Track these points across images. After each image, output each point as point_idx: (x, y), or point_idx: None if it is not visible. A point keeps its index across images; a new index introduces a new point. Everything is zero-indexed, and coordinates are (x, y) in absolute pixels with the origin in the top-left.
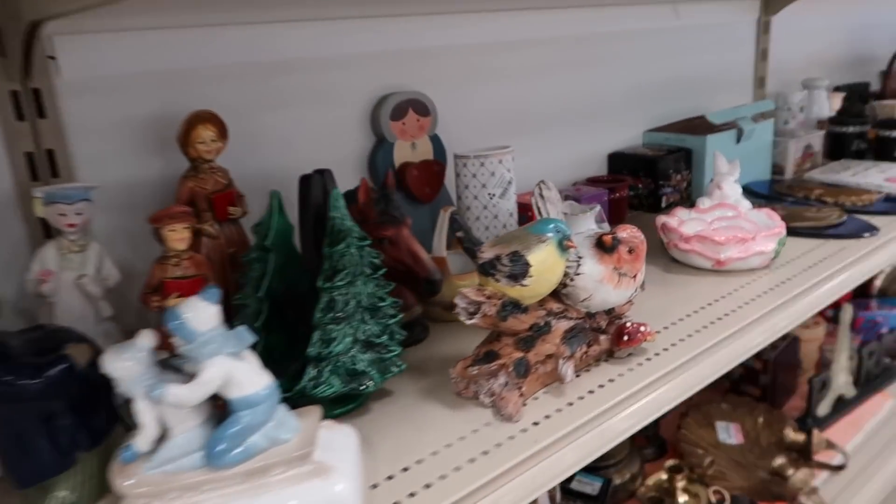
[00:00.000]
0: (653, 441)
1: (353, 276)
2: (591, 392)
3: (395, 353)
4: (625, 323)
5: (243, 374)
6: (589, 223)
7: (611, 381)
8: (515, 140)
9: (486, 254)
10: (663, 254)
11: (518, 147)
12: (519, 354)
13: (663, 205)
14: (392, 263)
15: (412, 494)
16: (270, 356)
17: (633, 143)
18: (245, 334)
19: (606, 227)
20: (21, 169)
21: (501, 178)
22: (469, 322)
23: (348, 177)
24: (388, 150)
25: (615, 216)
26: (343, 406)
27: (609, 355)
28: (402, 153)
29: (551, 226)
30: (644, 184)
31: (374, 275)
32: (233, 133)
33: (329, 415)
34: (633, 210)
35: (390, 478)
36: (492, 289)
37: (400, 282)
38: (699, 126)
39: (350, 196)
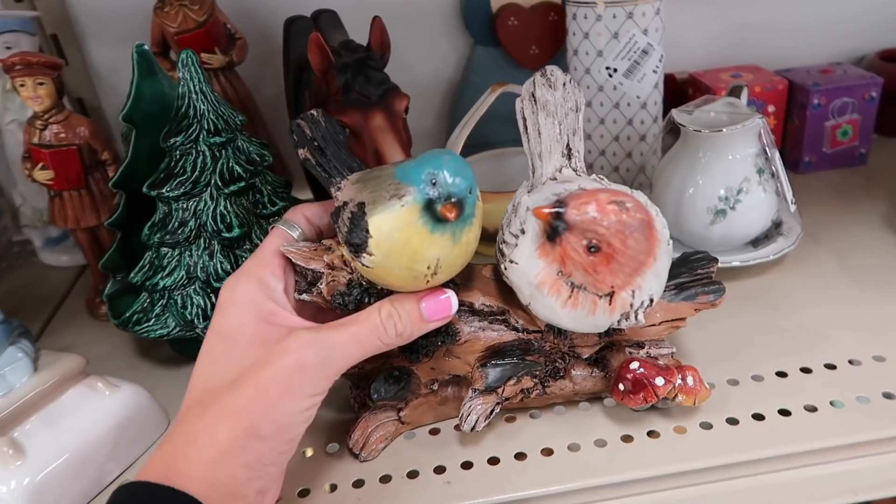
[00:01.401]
0: None
1: (193, 185)
2: (519, 458)
3: None
4: (630, 362)
5: None
6: (746, 144)
7: (598, 445)
8: None
9: (343, 192)
10: None
11: None
12: (399, 363)
13: None
14: None
15: None
16: (133, 265)
17: None
18: None
19: (776, 157)
20: None
21: (631, 43)
22: (298, 298)
23: (432, 24)
24: None
25: None
26: None
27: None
28: None
29: (427, 170)
30: None
31: (228, 188)
32: None
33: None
34: None
35: None
36: (343, 253)
37: None
38: None
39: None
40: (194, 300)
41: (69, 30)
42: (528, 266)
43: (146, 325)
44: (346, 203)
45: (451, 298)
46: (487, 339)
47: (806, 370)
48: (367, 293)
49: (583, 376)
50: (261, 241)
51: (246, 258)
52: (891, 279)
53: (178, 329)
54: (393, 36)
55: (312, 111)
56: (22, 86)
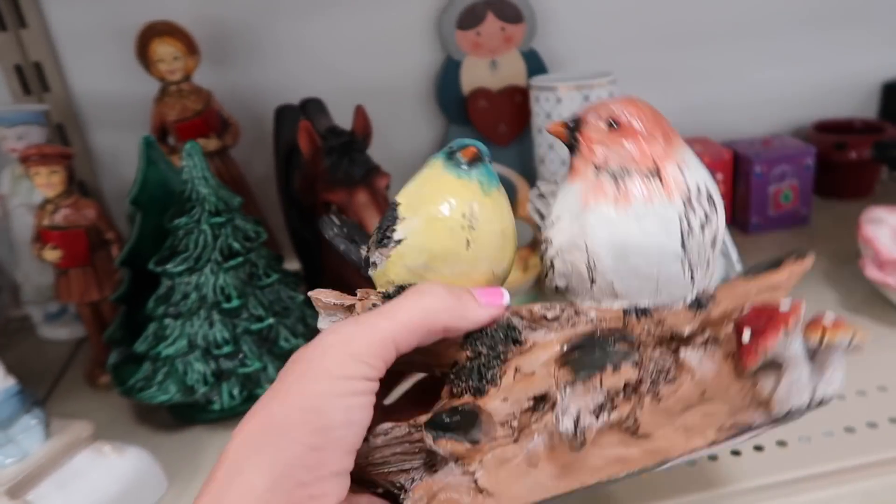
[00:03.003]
0: None
1: (196, 261)
2: None
3: (253, 368)
4: (742, 312)
5: None
6: None
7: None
8: (684, 59)
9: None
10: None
11: (691, 70)
12: (458, 401)
13: None
14: None
15: None
16: (135, 336)
17: None
18: None
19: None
20: (14, 82)
21: None
22: None
23: (410, 106)
24: (453, 70)
25: (844, 189)
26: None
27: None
28: (476, 75)
29: (445, 147)
30: None
31: (227, 263)
32: (244, 47)
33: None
34: None
35: None
36: (379, 286)
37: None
38: None
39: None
40: (195, 367)
41: (74, 120)
42: (569, 203)
43: (149, 391)
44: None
45: (501, 288)
46: (562, 338)
47: None
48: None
49: (697, 358)
50: (257, 310)
51: (244, 326)
52: None
53: (178, 394)
54: (374, 117)
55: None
56: (37, 174)
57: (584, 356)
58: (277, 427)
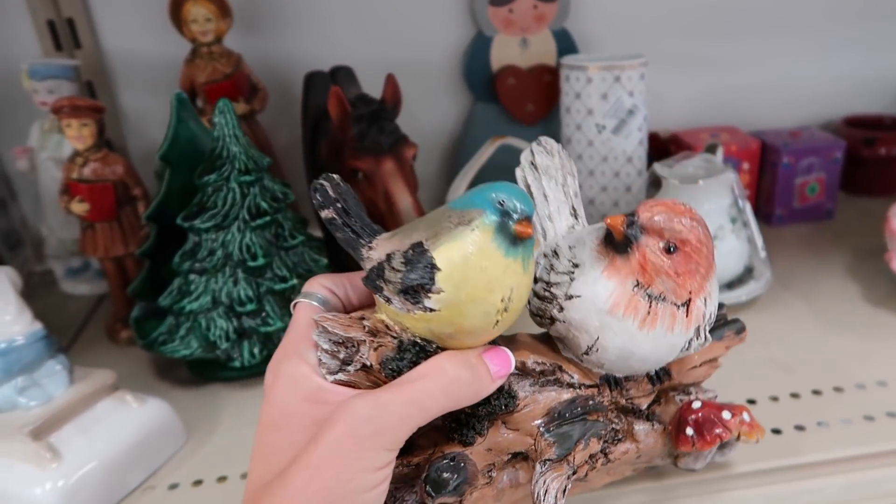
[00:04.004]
0: None
1: (223, 218)
2: None
3: (275, 327)
4: (690, 403)
5: None
6: (720, 196)
7: None
8: (716, 46)
9: (378, 249)
10: (886, 275)
11: (723, 59)
12: (450, 448)
13: None
14: (367, 206)
15: None
16: (158, 291)
17: None
18: None
19: (747, 208)
20: (46, 38)
21: (618, 103)
22: (332, 379)
23: (437, 81)
24: (483, 47)
25: (870, 185)
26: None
27: (673, 458)
28: (506, 52)
29: (490, 195)
30: None
31: (254, 222)
32: (275, 13)
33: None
34: None
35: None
36: (387, 317)
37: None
38: None
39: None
40: (218, 323)
41: (103, 78)
42: (596, 292)
43: (171, 345)
44: (389, 255)
45: (507, 351)
46: (546, 402)
47: (774, 398)
48: (422, 354)
49: (645, 431)
50: (281, 271)
51: (268, 286)
52: (852, 322)
53: (200, 349)
54: (401, 89)
55: (333, 175)
56: (68, 126)
57: (563, 431)
58: None
